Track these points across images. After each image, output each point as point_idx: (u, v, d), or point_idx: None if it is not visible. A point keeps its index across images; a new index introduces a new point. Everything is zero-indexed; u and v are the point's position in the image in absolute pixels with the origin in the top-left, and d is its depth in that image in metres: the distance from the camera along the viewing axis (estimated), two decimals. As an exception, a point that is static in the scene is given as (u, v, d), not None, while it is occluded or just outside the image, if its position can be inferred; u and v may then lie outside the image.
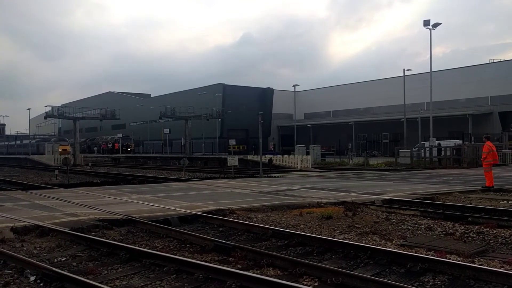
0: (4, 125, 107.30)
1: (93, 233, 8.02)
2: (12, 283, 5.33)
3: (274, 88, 76.66)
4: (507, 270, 5.40)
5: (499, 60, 57.84)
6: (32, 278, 5.46)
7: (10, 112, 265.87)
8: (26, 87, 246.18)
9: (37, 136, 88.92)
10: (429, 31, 40.00)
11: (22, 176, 31.62)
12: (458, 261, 5.88)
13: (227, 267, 5.74)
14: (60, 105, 58.84)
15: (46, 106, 53.05)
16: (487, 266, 5.62)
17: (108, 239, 7.57)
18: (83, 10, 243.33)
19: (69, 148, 63.66)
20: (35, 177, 30.35)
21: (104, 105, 64.17)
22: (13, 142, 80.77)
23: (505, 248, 7.03)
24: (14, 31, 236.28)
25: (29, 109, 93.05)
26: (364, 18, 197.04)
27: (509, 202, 11.94)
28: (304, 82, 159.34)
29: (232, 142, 51.92)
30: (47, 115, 53.10)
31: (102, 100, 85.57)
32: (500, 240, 7.47)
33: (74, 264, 6.22)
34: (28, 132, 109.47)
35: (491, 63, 58.48)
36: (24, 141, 76.71)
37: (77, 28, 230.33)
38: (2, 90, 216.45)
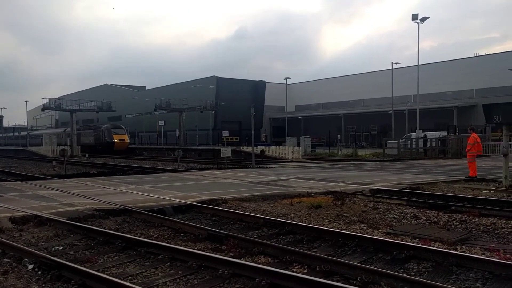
0: (2, 117, 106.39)
1: (89, 223, 8.12)
2: (10, 272, 5.41)
3: (267, 81, 76.69)
4: (488, 257, 5.56)
5: (484, 54, 58.34)
6: (30, 266, 5.54)
7: (8, 105, 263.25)
8: (25, 80, 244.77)
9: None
10: (417, 25, 40.37)
11: (20, 167, 31.53)
12: (442, 248, 6.03)
13: (220, 255, 5.86)
14: (57, 97, 58.32)
15: (43, 98, 53.10)
16: (469, 253, 5.79)
17: (104, 228, 7.68)
18: (83, 4, 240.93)
19: (127, 138, 55.61)
20: (33, 168, 30.34)
21: (100, 97, 63.93)
22: (34, 133, 76.41)
23: (486, 235, 7.24)
24: (14, 25, 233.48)
25: (26, 101, 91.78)
26: (356, 13, 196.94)
27: (491, 191, 12.18)
28: (297, 75, 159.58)
29: (226, 133, 52.16)
30: (44, 107, 52.92)
31: (98, 93, 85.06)
32: (481, 228, 7.69)
33: (71, 252, 6.32)
34: (26, 124, 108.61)
35: (476, 56, 58.89)
36: (57, 130, 72.74)
37: (76, 22, 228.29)
38: (1, 83, 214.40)
